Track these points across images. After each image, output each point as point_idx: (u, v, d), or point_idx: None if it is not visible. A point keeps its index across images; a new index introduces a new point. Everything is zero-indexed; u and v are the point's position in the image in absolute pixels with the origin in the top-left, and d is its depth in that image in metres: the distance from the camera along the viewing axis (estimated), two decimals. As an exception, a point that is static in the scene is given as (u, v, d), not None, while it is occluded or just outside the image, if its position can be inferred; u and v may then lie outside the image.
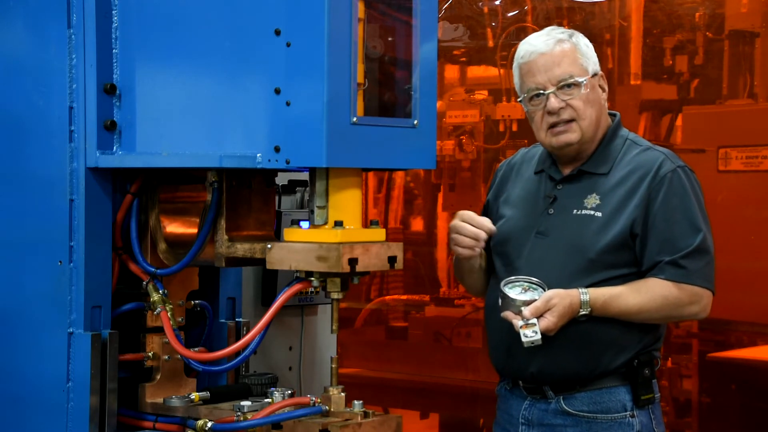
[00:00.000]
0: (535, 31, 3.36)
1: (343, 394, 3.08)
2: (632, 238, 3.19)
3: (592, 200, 3.24)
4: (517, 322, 3.09)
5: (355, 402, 3.06)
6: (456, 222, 3.27)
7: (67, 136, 3.22)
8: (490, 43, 6.94)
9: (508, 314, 3.13)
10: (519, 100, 3.31)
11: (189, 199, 3.33)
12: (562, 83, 3.22)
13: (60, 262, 3.22)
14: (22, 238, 3.33)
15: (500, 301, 3.16)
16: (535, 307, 3.10)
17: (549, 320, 3.10)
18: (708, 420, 5.95)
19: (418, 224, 7.82)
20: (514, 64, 3.33)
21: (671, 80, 6.44)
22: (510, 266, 3.28)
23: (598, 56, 3.32)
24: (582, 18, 6.55)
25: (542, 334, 3.08)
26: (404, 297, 7.55)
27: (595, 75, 3.26)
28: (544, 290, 3.14)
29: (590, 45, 3.31)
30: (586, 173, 3.29)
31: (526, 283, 3.16)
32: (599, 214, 3.21)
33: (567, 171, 3.32)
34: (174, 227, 3.34)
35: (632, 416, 3.23)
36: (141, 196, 3.30)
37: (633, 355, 3.22)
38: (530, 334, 3.08)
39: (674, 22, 6.49)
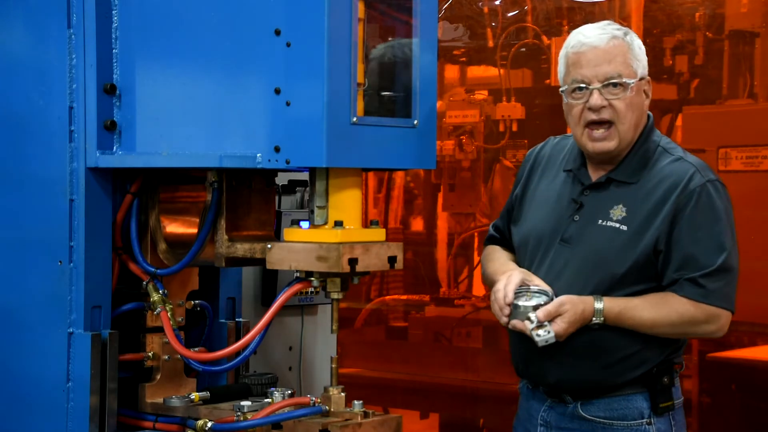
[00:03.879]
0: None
1: (343, 394, 3.08)
2: (655, 254, 3.12)
3: (618, 212, 3.16)
4: (528, 325, 3.04)
5: (355, 402, 3.06)
6: (498, 287, 3.13)
7: (67, 136, 3.22)
8: (490, 43, 6.93)
9: (515, 323, 3.08)
10: (561, 90, 3.21)
11: (189, 199, 3.33)
12: (608, 81, 3.12)
13: (60, 262, 3.22)
14: (22, 238, 3.33)
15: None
16: (546, 310, 3.04)
17: (559, 325, 3.05)
18: (708, 420, 5.94)
19: (418, 224, 7.82)
20: (562, 52, 3.23)
21: (671, 80, 6.43)
22: (533, 272, 3.20)
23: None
24: (582, 18, 6.52)
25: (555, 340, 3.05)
26: (404, 297, 7.55)
27: (642, 79, 3.17)
28: (548, 296, 3.09)
29: (643, 47, 3.20)
30: (614, 181, 3.20)
31: (529, 292, 3.11)
32: (624, 227, 3.13)
33: (596, 176, 3.23)
34: (174, 227, 3.34)
35: (649, 423, 3.16)
36: (141, 196, 3.30)
37: (653, 366, 3.17)
38: (543, 334, 3.04)
39: (674, 22, 6.49)
